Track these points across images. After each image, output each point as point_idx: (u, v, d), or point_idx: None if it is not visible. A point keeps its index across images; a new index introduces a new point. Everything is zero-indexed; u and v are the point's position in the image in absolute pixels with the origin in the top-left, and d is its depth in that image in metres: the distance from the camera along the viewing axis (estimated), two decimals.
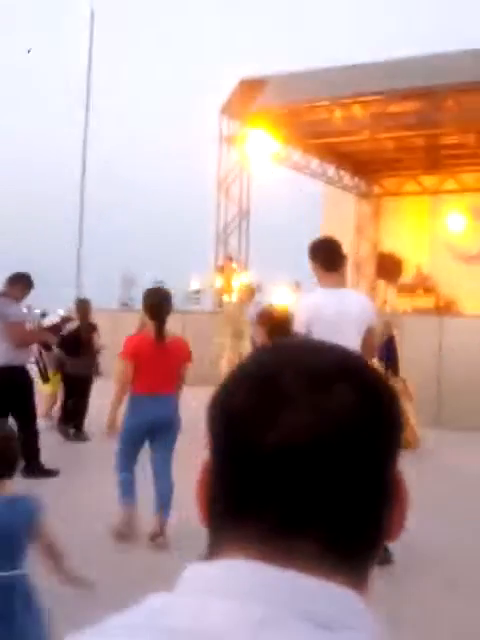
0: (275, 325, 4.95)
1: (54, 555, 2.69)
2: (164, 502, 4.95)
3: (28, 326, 8.08)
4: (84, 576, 2.79)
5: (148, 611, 0.60)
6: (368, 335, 4.65)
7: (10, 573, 2.57)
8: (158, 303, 5.15)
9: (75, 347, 9.41)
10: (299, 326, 4.58)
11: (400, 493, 0.67)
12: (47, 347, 9.69)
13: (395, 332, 9.69)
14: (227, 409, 0.65)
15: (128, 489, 5.03)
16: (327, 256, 4.67)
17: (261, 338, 5.08)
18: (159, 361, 5.01)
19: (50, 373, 9.93)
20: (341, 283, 4.89)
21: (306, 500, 0.61)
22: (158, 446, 5.12)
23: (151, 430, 5.06)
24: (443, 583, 4.59)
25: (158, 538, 4.90)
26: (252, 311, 9.73)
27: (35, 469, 6.60)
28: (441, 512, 6.14)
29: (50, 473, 6.78)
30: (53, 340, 9.01)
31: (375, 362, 4.83)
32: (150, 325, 5.12)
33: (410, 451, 8.22)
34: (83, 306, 9.99)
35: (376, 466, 0.64)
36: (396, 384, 8.72)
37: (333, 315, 4.48)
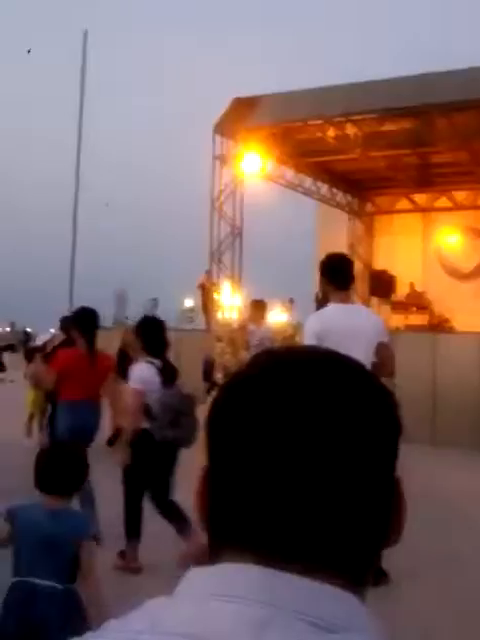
0: None
1: (92, 603, 2.63)
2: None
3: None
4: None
5: (150, 616, 0.60)
6: (385, 349, 4.75)
7: (51, 583, 2.56)
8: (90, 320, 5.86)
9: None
10: (310, 340, 4.65)
11: (400, 498, 0.69)
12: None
13: None
14: (221, 419, 0.67)
15: None
16: (339, 274, 4.78)
17: None
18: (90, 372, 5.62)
19: (29, 391, 9.97)
20: (351, 299, 5.02)
21: (306, 505, 0.62)
22: None
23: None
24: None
25: None
26: (261, 335, 9.56)
27: None
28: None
29: None
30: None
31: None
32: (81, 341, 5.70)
33: None
34: (66, 323, 9.98)
35: (377, 473, 0.65)
36: None
37: (344, 330, 4.54)
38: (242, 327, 10.90)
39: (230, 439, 0.65)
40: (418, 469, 9.15)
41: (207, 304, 17.24)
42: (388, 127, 14.47)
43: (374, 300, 18.38)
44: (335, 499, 0.62)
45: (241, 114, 15.68)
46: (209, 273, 17.24)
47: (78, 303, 18.41)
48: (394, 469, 0.68)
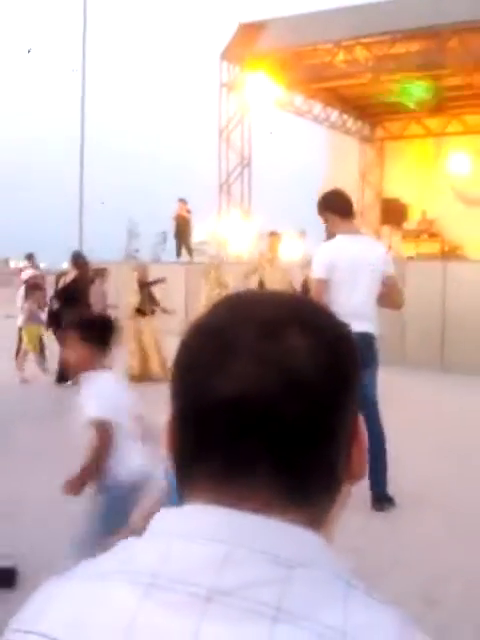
0: None
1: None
2: None
3: None
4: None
5: (119, 557, 0.64)
6: (392, 282, 4.80)
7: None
8: None
9: (71, 299, 9.50)
10: (319, 271, 4.69)
11: (358, 435, 0.69)
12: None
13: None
14: (182, 361, 0.68)
15: None
16: (342, 204, 4.82)
17: None
18: None
19: (24, 327, 10.10)
20: (357, 229, 4.99)
21: (252, 444, 0.63)
22: None
23: None
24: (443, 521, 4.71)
25: None
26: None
27: None
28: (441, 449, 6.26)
29: None
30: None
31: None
32: None
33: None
34: (77, 259, 10.12)
35: (325, 410, 0.65)
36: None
37: (351, 260, 4.60)
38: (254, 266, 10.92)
39: (182, 380, 0.67)
40: (427, 394, 9.30)
41: (185, 236, 16.97)
42: (398, 49, 14.07)
43: (385, 229, 18.25)
44: (282, 436, 0.63)
45: (248, 40, 15.29)
46: (184, 202, 17.01)
47: (89, 238, 18.43)
48: (352, 407, 0.68)
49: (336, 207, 4.80)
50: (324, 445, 0.65)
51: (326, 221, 4.89)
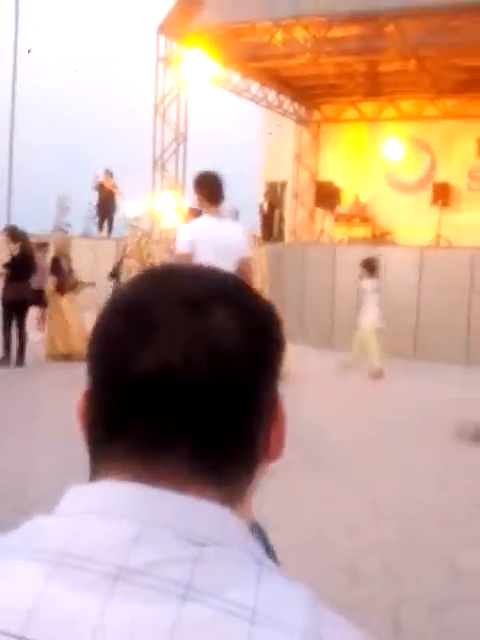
0: None
1: None
2: None
3: None
4: None
5: (25, 533, 0.62)
6: (245, 265, 5.19)
7: None
8: None
9: (16, 272, 9.33)
10: (183, 246, 5.11)
11: (278, 414, 0.69)
12: None
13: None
14: (101, 335, 0.66)
15: None
16: (213, 191, 5.18)
17: None
18: None
19: None
20: (222, 215, 5.39)
21: (172, 419, 0.62)
22: None
23: None
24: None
25: None
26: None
27: None
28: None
29: None
30: None
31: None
32: None
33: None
34: (15, 232, 9.88)
35: (248, 386, 0.64)
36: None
37: (213, 240, 5.01)
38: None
39: (101, 354, 0.66)
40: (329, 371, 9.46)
41: (107, 210, 16.88)
42: (337, 33, 14.12)
43: (318, 211, 18.41)
44: (201, 412, 0.62)
45: (187, 14, 15.09)
46: (110, 174, 16.86)
47: (16, 212, 17.95)
48: (274, 386, 0.68)
49: (205, 190, 5.16)
50: (246, 423, 0.64)
51: (197, 200, 5.29)
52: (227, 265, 4.80)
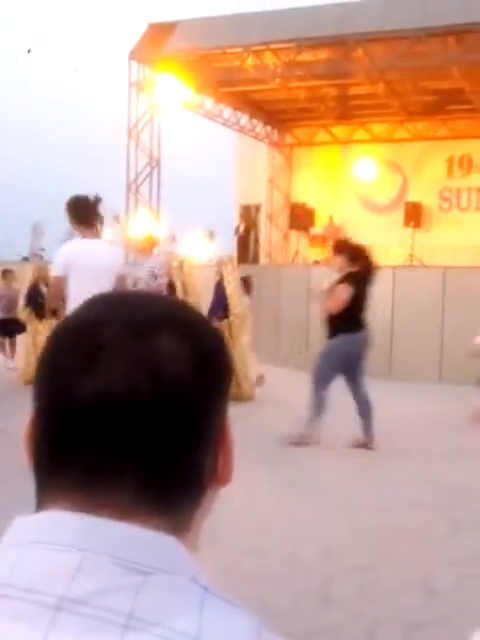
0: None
1: None
2: None
3: None
4: None
5: None
6: (120, 281, 5.41)
7: None
8: None
9: None
10: (57, 269, 5.29)
11: (226, 439, 0.68)
12: None
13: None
14: (47, 360, 0.66)
15: None
16: (83, 213, 5.34)
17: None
18: None
19: None
20: (96, 235, 5.53)
21: (117, 447, 0.61)
22: None
23: None
24: None
25: None
26: (153, 263, 9.48)
27: None
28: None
29: None
30: None
31: None
32: None
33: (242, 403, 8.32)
34: None
35: (195, 414, 0.64)
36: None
37: (88, 261, 5.19)
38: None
39: (46, 380, 0.65)
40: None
41: None
42: (306, 57, 14.32)
43: (293, 233, 18.53)
44: (147, 440, 0.61)
45: (157, 40, 15.21)
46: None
47: None
48: (218, 411, 0.67)
49: (75, 214, 5.34)
50: (192, 451, 0.64)
51: (71, 225, 5.46)
52: (104, 284, 5.16)
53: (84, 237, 5.34)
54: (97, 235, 5.48)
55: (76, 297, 4.98)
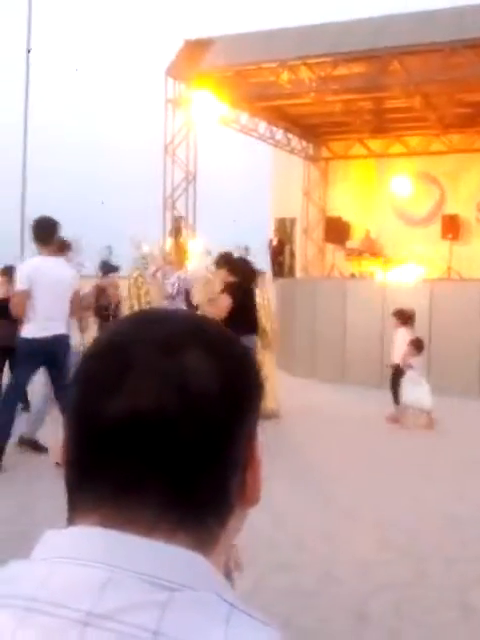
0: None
1: None
2: None
3: None
4: None
5: (6, 578, 0.62)
6: (75, 295, 6.28)
7: None
8: None
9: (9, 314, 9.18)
10: (22, 282, 5.96)
11: (254, 459, 0.68)
12: None
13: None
14: (80, 377, 0.67)
15: None
16: (42, 234, 6.07)
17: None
18: None
19: None
20: (54, 254, 6.20)
21: (143, 463, 0.62)
22: None
23: None
24: None
25: None
26: (173, 280, 9.59)
27: None
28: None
29: None
30: None
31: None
32: None
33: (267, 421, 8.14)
34: (8, 272, 9.75)
35: (222, 430, 0.64)
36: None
37: (48, 276, 5.91)
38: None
39: (79, 397, 0.66)
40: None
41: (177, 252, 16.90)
42: (342, 71, 14.32)
43: (329, 247, 18.48)
44: (174, 458, 0.62)
45: (193, 57, 15.36)
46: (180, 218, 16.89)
47: (29, 251, 18.09)
48: (247, 429, 0.67)
49: (36, 235, 6.08)
50: (218, 469, 0.64)
51: (34, 244, 6.11)
52: (63, 298, 6.05)
53: (44, 254, 6.03)
54: (54, 254, 6.18)
55: (38, 307, 5.85)
